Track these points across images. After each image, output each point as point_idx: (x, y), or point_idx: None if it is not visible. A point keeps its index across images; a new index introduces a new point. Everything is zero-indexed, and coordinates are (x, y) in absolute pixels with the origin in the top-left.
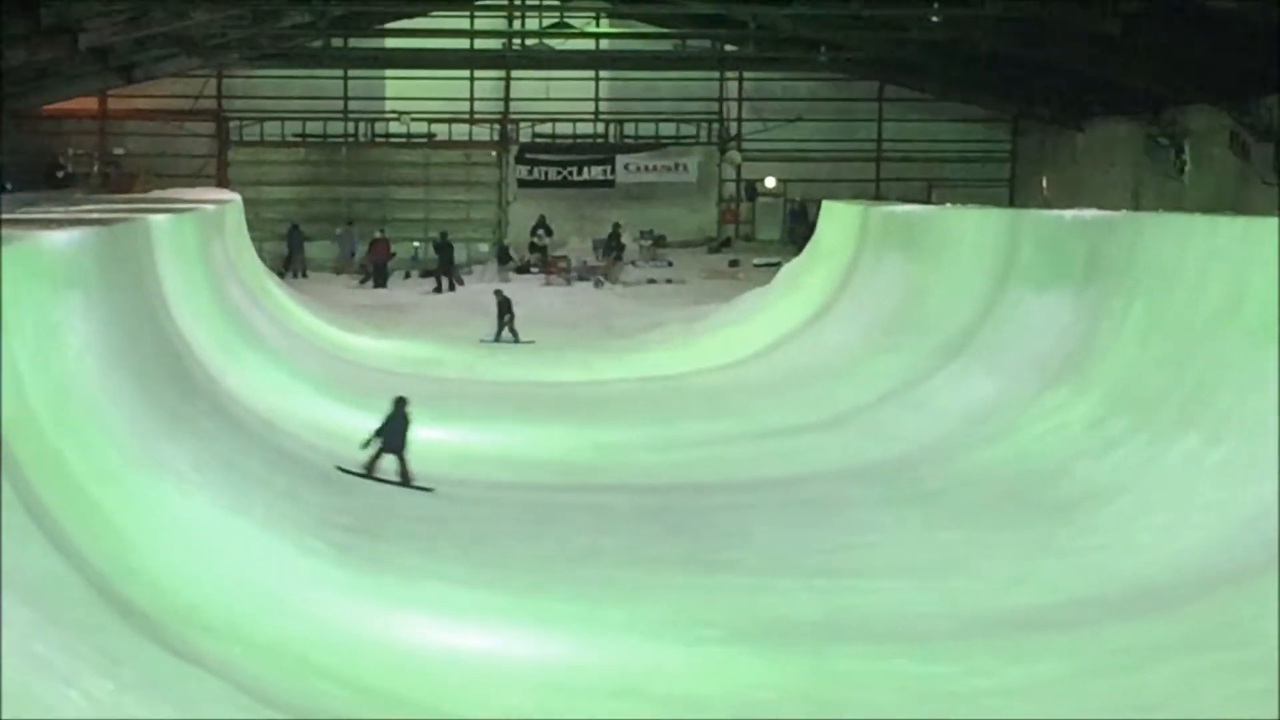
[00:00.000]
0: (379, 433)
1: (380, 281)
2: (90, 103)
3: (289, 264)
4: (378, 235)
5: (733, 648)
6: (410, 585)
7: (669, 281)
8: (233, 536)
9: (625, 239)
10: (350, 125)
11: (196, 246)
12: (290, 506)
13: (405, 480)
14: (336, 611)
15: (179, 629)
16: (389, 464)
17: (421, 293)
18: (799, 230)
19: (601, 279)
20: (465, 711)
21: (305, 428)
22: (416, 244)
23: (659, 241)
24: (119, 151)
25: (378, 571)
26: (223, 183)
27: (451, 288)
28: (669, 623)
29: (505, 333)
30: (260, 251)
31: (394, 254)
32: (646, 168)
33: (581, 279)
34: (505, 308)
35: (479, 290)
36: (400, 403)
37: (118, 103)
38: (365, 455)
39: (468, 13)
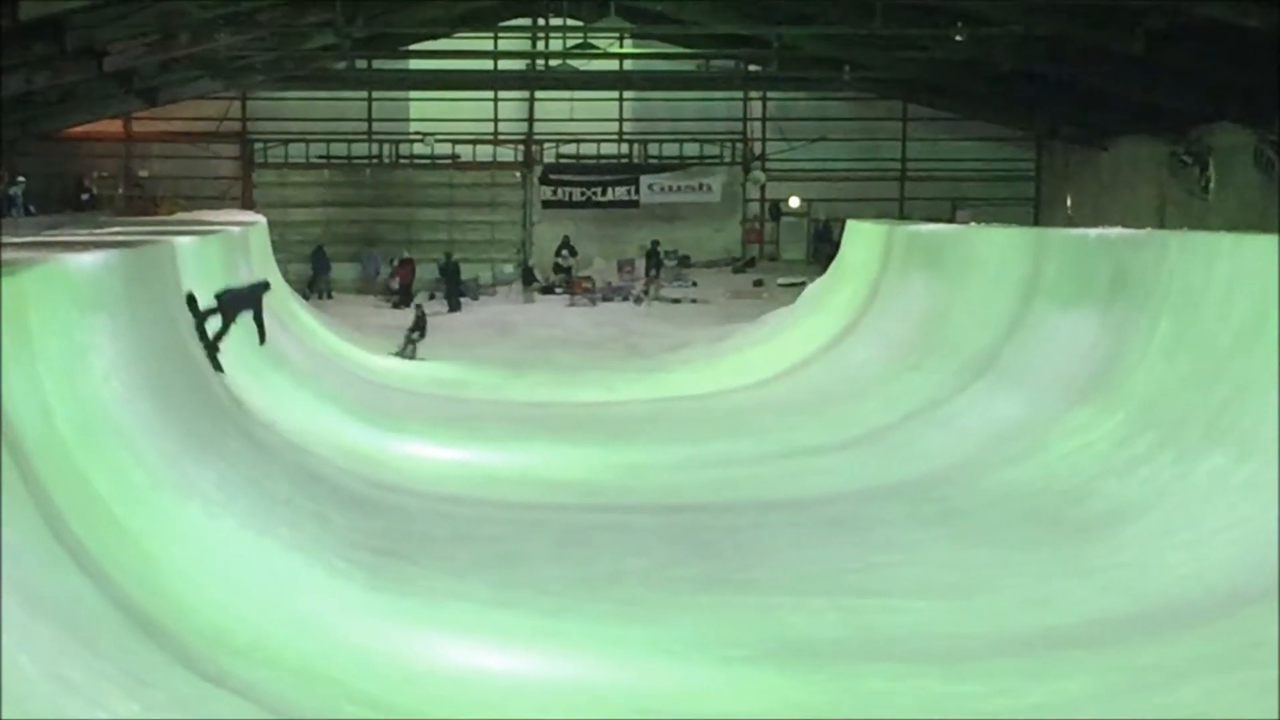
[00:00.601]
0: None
1: (406, 302)
2: (115, 125)
3: (313, 285)
4: (405, 256)
5: (758, 668)
6: (437, 607)
7: (693, 301)
8: (259, 558)
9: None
10: (374, 147)
11: (222, 268)
12: (317, 528)
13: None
14: (364, 633)
15: (206, 651)
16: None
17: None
18: (823, 250)
19: (643, 295)
20: None
21: (331, 449)
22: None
23: (683, 261)
24: (143, 174)
25: (405, 593)
26: (248, 204)
27: (456, 308)
28: (694, 643)
29: (409, 349)
30: (285, 273)
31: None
32: (671, 188)
33: (606, 299)
34: (419, 324)
35: (503, 310)
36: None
37: (142, 125)
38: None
39: (492, 34)
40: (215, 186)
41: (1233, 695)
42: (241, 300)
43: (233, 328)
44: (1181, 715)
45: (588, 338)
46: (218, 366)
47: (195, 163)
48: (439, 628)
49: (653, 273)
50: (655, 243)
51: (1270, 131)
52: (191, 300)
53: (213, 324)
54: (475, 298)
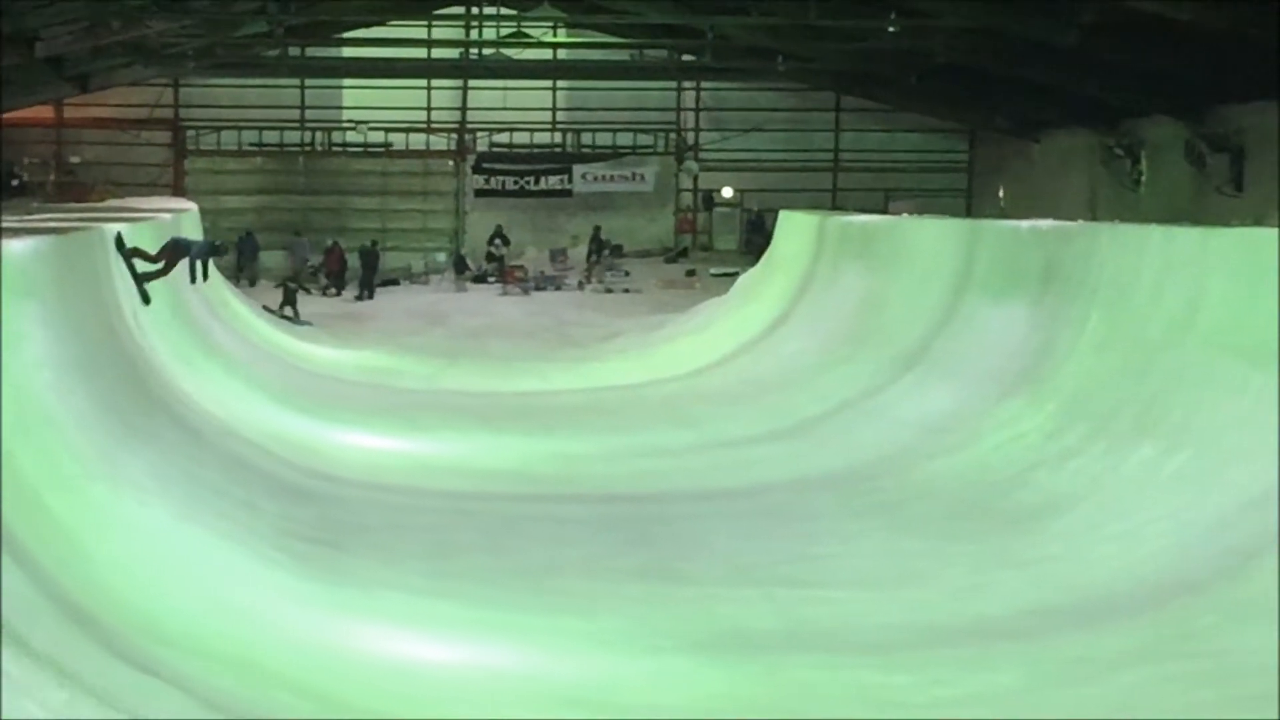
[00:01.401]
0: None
1: (338, 289)
2: (46, 111)
3: (241, 271)
4: (332, 243)
5: (691, 658)
6: (369, 595)
7: (626, 291)
8: (191, 548)
9: (582, 249)
10: (307, 134)
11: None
12: (250, 517)
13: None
14: (296, 622)
15: (137, 641)
16: None
17: (345, 301)
18: (756, 240)
19: (585, 281)
20: None
21: (264, 437)
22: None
23: (616, 251)
24: (75, 160)
25: (338, 582)
26: (179, 192)
27: (370, 296)
28: (627, 633)
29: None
30: (223, 261)
31: (345, 263)
32: (604, 177)
33: (539, 289)
34: (289, 298)
35: (436, 299)
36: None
37: (73, 111)
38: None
39: (425, 22)
40: (147, 173)
41: (1164, 687)
42: (185, 249)
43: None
44: (1113, 706)
45: (521, 327)
46: (145, 299)
47: (127, 149)
48: (372, 617)
49: (594, 259)
50: (597, 229)
51: (1201, 124)
52: (119, 241)
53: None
54: (398, 283)
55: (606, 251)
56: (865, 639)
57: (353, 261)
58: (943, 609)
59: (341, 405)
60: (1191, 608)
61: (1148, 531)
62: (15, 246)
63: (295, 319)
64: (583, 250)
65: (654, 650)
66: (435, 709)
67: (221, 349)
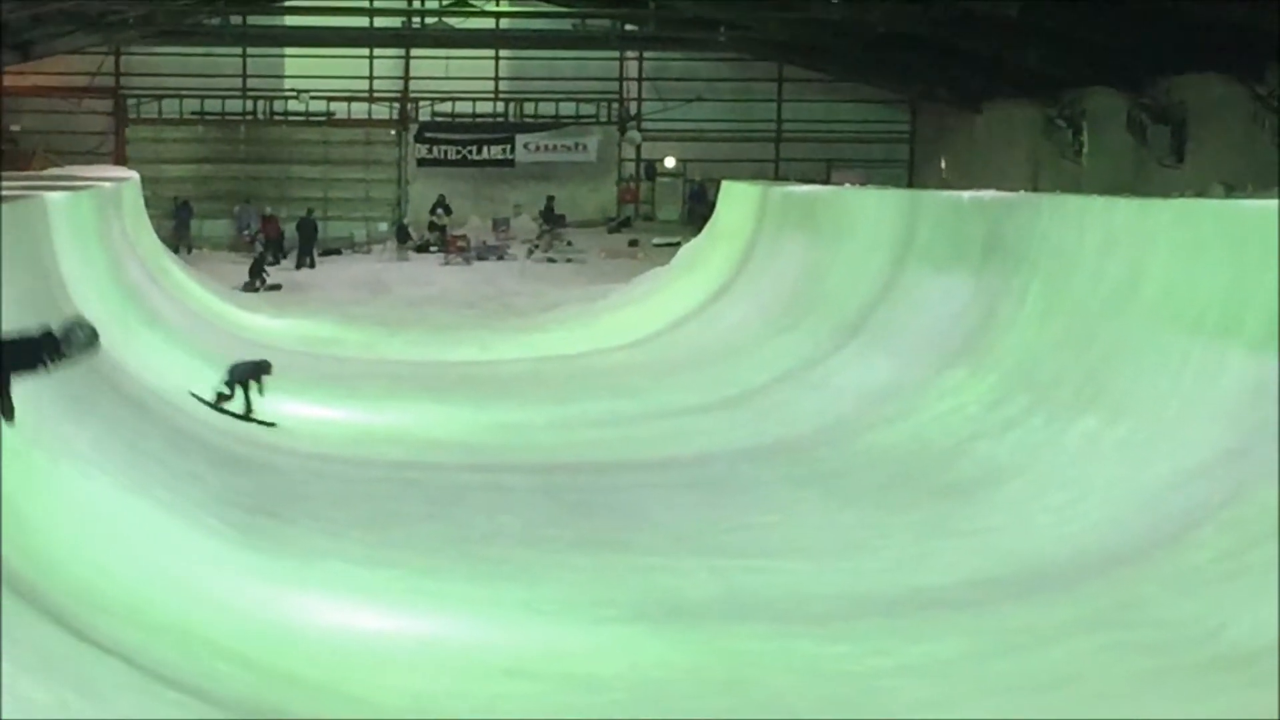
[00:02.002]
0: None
1: (275, 259)
2: None
3: (178, 239)
4: (269, 213)
5: (631, 627)
6: (310, 565)
7: (569, 261)
8: (132, 517)
9: (525, 218)
10: (249, 103)
11: (94, 225)
12: (191, 487)
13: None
14: (236, 592)
15: (77, 610)
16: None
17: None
18: (698, 210)
19: (534, 249)
20: (363, 691)
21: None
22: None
23: (559, 221)
24: (15, 128)
25: (277, 552)
26: (120, 160)
27: (311, 265)
28: (567, 603)
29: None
30: (157, 229)
31: (283, 232)
32: (546, 147)
33: (481, 258)
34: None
35: (378, 269)
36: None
37: (14, 79)
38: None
39: None
40: (88, 142)
41: (1103, 656)
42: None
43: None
44: (1053, 676)
45: (463, 296)
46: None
47: (68, 118)
48: (312, 587)
49: (548, 228)
50: (551, 198)
51: (1143, 96)
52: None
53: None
54: (340, 252)
55: (560, 222)
56: (805, 609)
57: (290, 231)
58: (883, 579)
59: (283, 375)
60: (1132, 577)
61: (1088, 502)
62: None
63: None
64: (525, 220)
65: (595, 620)
66: (375, 678)
67: (163, 318)
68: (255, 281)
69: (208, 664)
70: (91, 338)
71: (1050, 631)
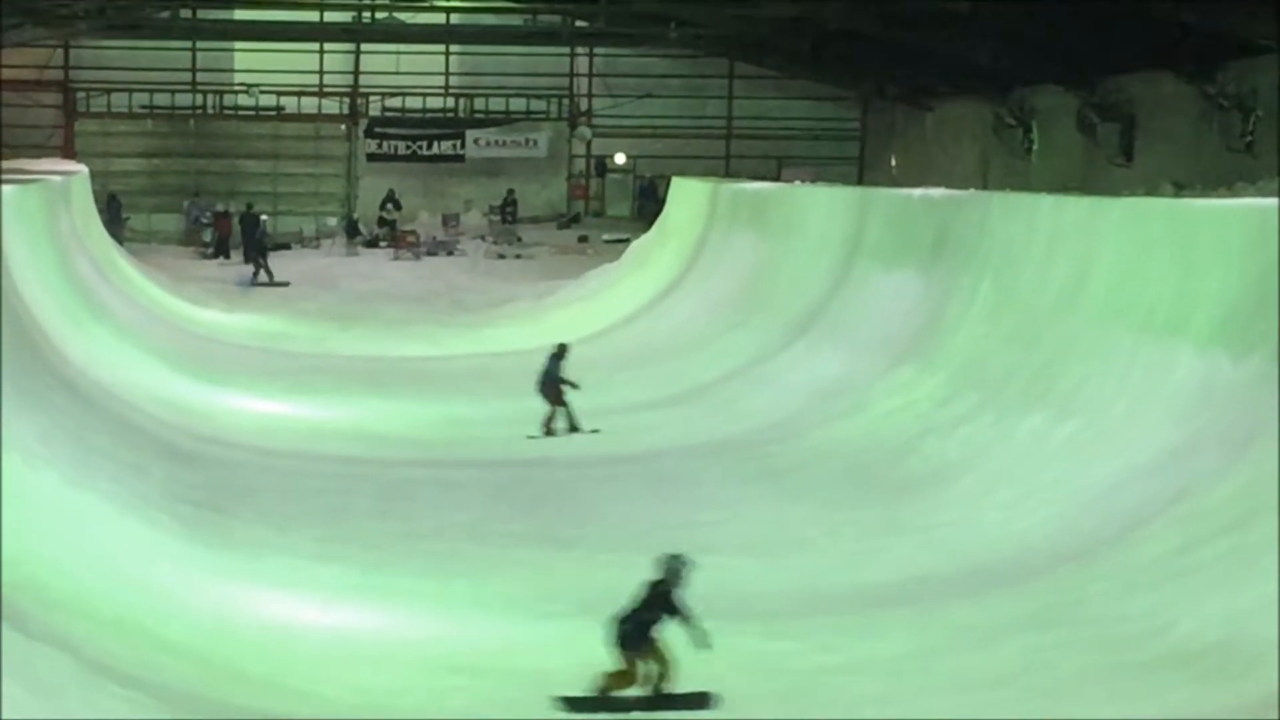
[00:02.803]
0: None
1: (223, 254)
2: None
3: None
4: (221, 209)
5: (579, 622)
6: (258, 560)
7: (519, 257)
8: (79, 511)
9: (475, 214)
10: (198, 97)
11: (42, 219)
12: (138, 481)
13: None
14: (183, 586)
15: (24, 604)
16: None
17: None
18: (649, 206)
19: (494, 243)
20: (309, 685)
21: (153, 401)
22: (265, 217)
23: (514, 216)
24: None
25: (225, 546)
26: (69, 154)
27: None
28: (516, 598)
29: (262, 275)
30: (106, 224)
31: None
32: (496, 143)
33: (430, 254)
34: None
35: (327, 264)
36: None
37: None
38: None
39: None
40: (37, 135)
41: (1049, 653)
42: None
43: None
44: (1001, 672)
45: (412, 292)
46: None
47: (16, 111)
48: (259, 581)
49: (510, 222)
50: (511, 191)
51: (1092, 94)
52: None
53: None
54: (289, 247)
55: (497, 218)
56: (753, 605)
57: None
58: (831, 576)
59: (232, 369)
60: (1079, 574)
61: (1037, 499)
62: None
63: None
64: (475, 215)
65: (542, 615)
66: (322, 672)
67: (111, 312)
68: (259, 275)
69: (155, 658)
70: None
71: (998, 628)
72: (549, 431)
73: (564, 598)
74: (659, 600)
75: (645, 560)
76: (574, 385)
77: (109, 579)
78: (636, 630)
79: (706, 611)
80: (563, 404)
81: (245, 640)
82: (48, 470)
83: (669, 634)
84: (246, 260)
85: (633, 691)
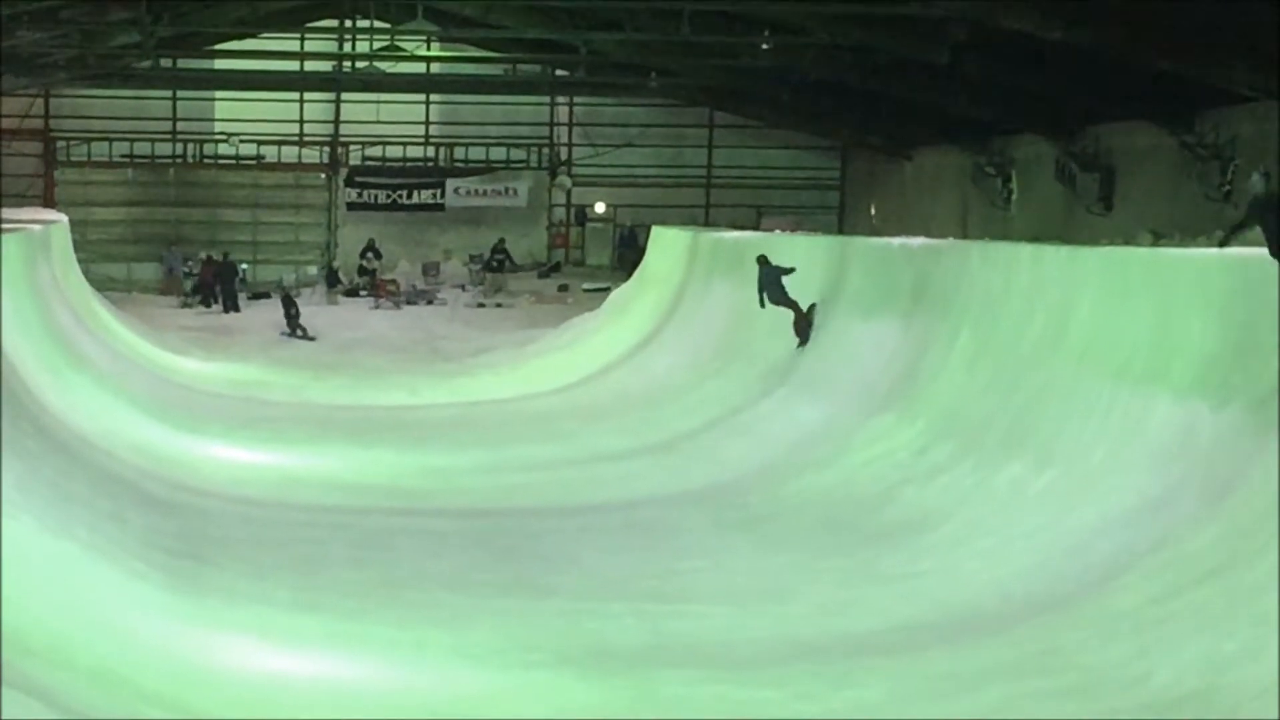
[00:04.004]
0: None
1: (206, 302)
2: None
3: None
4: (206, 256)
5: (557, 672)
6: (236, 609)
7: (499, 305)
8: (56, 558)
9: (455, 263)
10: (179, 146)
11: (22, 267)
12: (115, 529)
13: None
14: (161, 635)
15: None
16: None
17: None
18: (628, 255)
19: (481, 291)
20: None
21: (131, 450)
22: (244, 266)
23: (488, 266)
24: None
25: (203, 595)
26: (49, 203)
27: (235, 308)
28: (494, 648)
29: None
30: (86, 273)
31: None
32: (477, 191)
33: (410, 303)
34: (290, 304)
35: (307, 313)
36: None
37: None
38: None
39: (298, 35)
40: (16, 185)
41: (1028, 702)
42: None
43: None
44: None
45: (392, 341)
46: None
47: None
48: (237, 630)
49: (501, 270)
50: (502, 240)
51: (1072, 144)
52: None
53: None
54: (269, 296)
55: (477, 267)
56: (732, 654)
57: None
58: (809, 624)
59: (209, 418)
60: (1057, 623)
61: (1015, 548)
62: None
63: (301, 331)
64: (455, 264)
65: (521, 664)
66: None
67: (90, 361)
68: (295, 331)
69: (131, 707)
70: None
71: (976, 677)
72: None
73: (543, 647)
74: (771, 275)
75: (625, 609)
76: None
77: (86, 627)
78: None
79: (685, 660)
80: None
81: (222, 689)
82: (25, 517)
83: None
84: (225, 309)
85: None
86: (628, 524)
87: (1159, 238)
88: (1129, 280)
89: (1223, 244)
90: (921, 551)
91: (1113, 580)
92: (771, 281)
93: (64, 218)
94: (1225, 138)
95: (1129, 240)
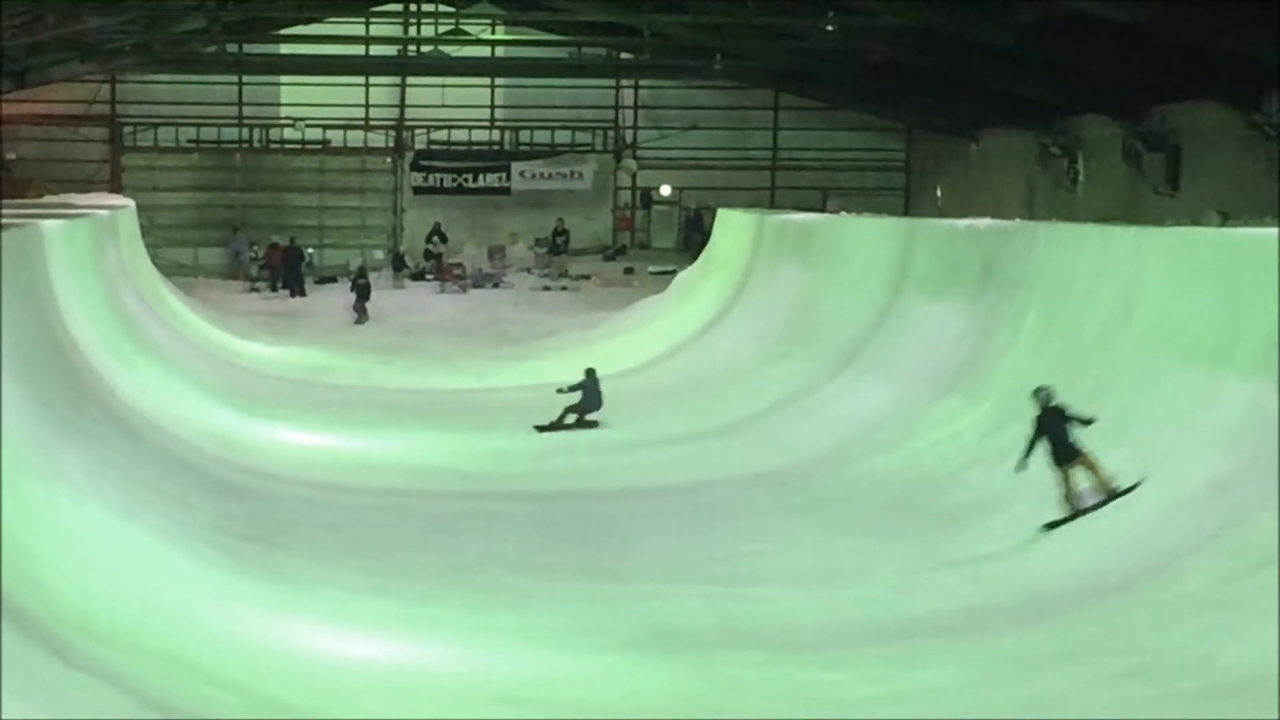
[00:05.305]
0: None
1: (272, 287)
2: None
3: None
4: (274, 241)
5: (623, 655)
6: (303, 593)
7: (564, 289)
8: (125, 544)
9: (520, 246)
10: (245, 131)
11: (90, 253)
12: (184, 514)
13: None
14: (228, 619)
15: (70, 636)
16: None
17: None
18: (694, 238)
19: (547, 272)
20: (353, 718)
21: (199, 434)
22: (310, 250)
23: (552, 248)
24: (11, 156)
25: (270, 579)
26: (116, 189)
27: (301, 292)
28: (560, 630)
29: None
30: (154, 258)
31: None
32: (542, 175)
33: (476, 286)
34: (362, 293)
35: (373, 297)
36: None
37: (10, 107)
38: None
39: (363, 19)
40: (84, 170)
41: (1096, 684)
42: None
43: None
44: (1045, 704)
45: (458, 324)
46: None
47: (64, 145)
48: (305, 614)
49: (562, 253)
50: (560, 220)
51: (1138, 124)
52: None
53: None
54: (335, 280)
55: (543, 250)
56: (798, 636)
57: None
58: (875, 607)
59: (277, 402)
60: (1124, 605)
61: (1081, 530)
62: None
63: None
64: (521, 248)
65: (586, 647)
66: (365, 706)
67: (158, 346)
68: (361, 317)
69: (199, 690)
70: None
71: (1042, 659)
72: None
73: (608, 629)
74: (1056, 422)
75: (690, 591)
76: None
77: (155, 612)
78: (1062, 448)
79: (750, 642)
80: None
81: (289, 673)
82: (94, 503)
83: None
84: (291, 294)
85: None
86: (693, 507)
87: (1226, 218)
88: (1196, 260)
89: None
90: (988, 534)
91: (1179, 562)
92: (1057, 431)
93: (131, 203)
94: None
95: (1196, 220)
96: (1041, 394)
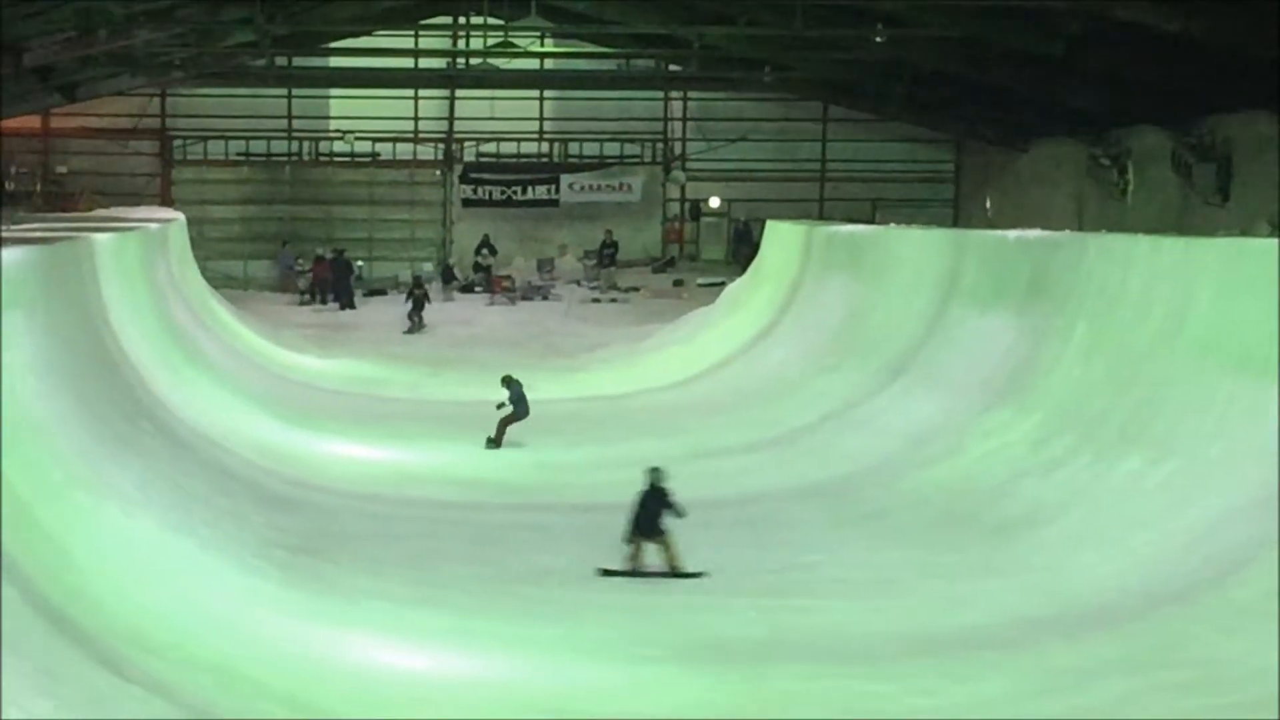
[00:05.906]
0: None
1: (323, 300)
2: (33, 121)
3: None
4: (320, 254)
5: (672, 667)
6: (353, 605)
7: (613, 301)
8: (176, 556)
9: (570, 258)
10: (294, 144)
11: (140, 265)
12: (234, 526)
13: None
14: (280, 632)
15: (122, 649)
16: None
17: (331, 311)
18: (743, 250)
19: (596, 284)
20: None
21: (249, 447)
22: (360, 263)
23: (601, 260)
24: (62, 170)
25: (321, 591)
26: (166, 201)
27: (351, 305)
28: (609, 642)
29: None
30: (204, 270)
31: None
32: (591, 187)
33: (525, 298)
34: (418, 304)
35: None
36: (653, 474)
37: (61, 121)
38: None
39: (412, 32)
40: (134, 183)
41: (1146, 697)
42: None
43: None
44: (1095, 716)
45: (507, 336)
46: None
47: (114, 159)
48: (355, 626)
49: (610, 264)
50: (609, 232)
51: (1188, 134)
52: None
53: None
54: (385, 292)
55: (592, 262)
56: (848, 648)
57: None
58: (927, 618)
59: (327, 415)
60: (1178, 616)
61: (1133, 541)
62: (2, 256)
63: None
64: (570, 260)
65: (635, 659)
66: (414, 716)
67: (208, 358)
68: (415, 326)
69: (250, 702)
70: None
71: (1094, 671)
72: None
73: (658, 641)
74: (656, 501)
75: (741, 604)
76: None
77: (206, 624)
78: (649, 525)
79: (800, 654)
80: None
81: (341, 684)
82: (145, 516)
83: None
84: (341, 306)
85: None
86: (744, 519)
87: (1277, 228)
88: (1247, 271)
89: None
90: (1040, 545)
91: (1232, 574)
92: (651, 509)
93: (181, 216)
94: None
95: (1246, 231)
96: (654, 474)
